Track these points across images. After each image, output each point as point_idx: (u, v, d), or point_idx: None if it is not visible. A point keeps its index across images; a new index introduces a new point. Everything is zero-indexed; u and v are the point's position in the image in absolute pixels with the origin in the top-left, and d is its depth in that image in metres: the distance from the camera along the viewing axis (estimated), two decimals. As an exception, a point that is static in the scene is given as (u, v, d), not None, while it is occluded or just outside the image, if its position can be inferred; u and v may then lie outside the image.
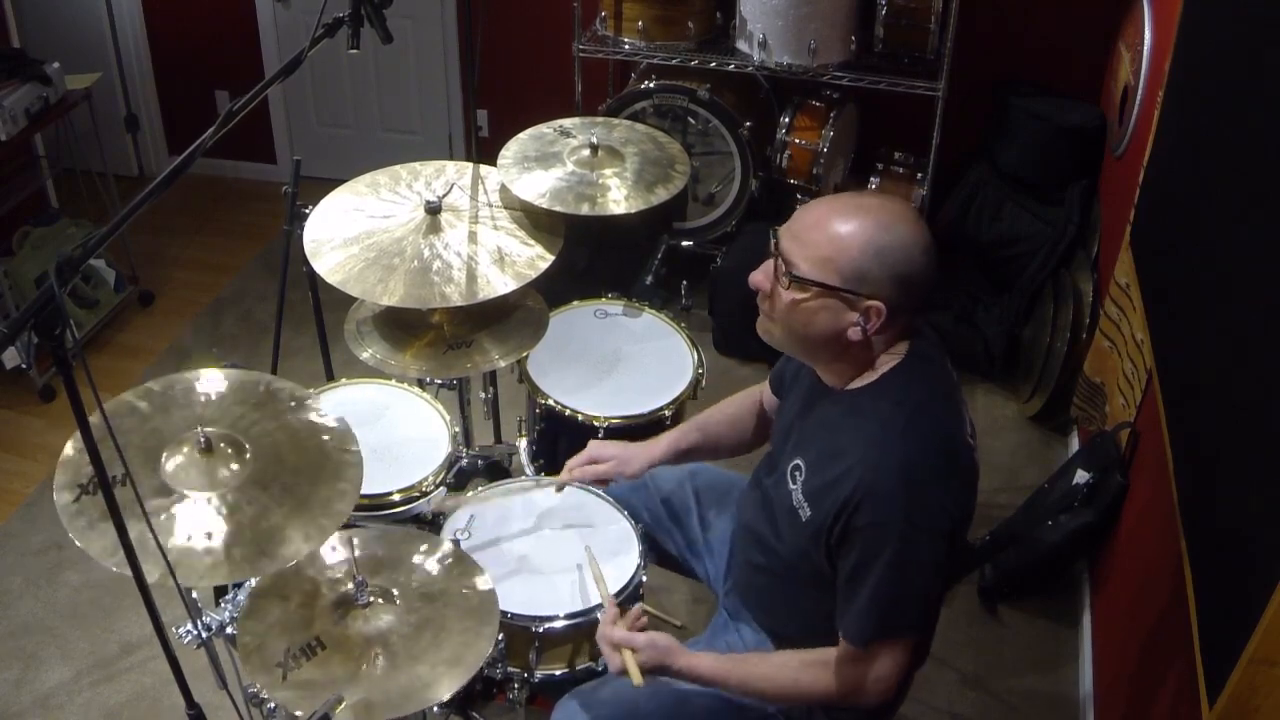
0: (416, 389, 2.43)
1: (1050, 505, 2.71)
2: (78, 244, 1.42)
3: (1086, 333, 3.09)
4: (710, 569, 2.09)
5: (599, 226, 2.48)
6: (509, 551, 2.07)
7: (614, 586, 1.96)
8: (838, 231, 1.54)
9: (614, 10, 3.64)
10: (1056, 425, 3.37)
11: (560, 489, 2.10)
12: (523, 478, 2.27)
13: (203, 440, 1.75)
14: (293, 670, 1.67)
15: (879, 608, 1.57)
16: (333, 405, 1.93)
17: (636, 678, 1.66)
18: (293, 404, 1.85)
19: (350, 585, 1.78)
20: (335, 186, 2.39)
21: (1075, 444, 3.26)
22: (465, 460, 2.44)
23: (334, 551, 1.89)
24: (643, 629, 1.74)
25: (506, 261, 2.23)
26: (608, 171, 2.46)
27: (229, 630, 1.91)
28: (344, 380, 2.48)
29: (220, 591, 2.19)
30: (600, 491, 2.16)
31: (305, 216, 2.33)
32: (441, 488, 2.22)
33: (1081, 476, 2.64)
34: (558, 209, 2.34)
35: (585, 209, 2.35)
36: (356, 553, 1.88)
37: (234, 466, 1.73)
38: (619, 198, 2.40)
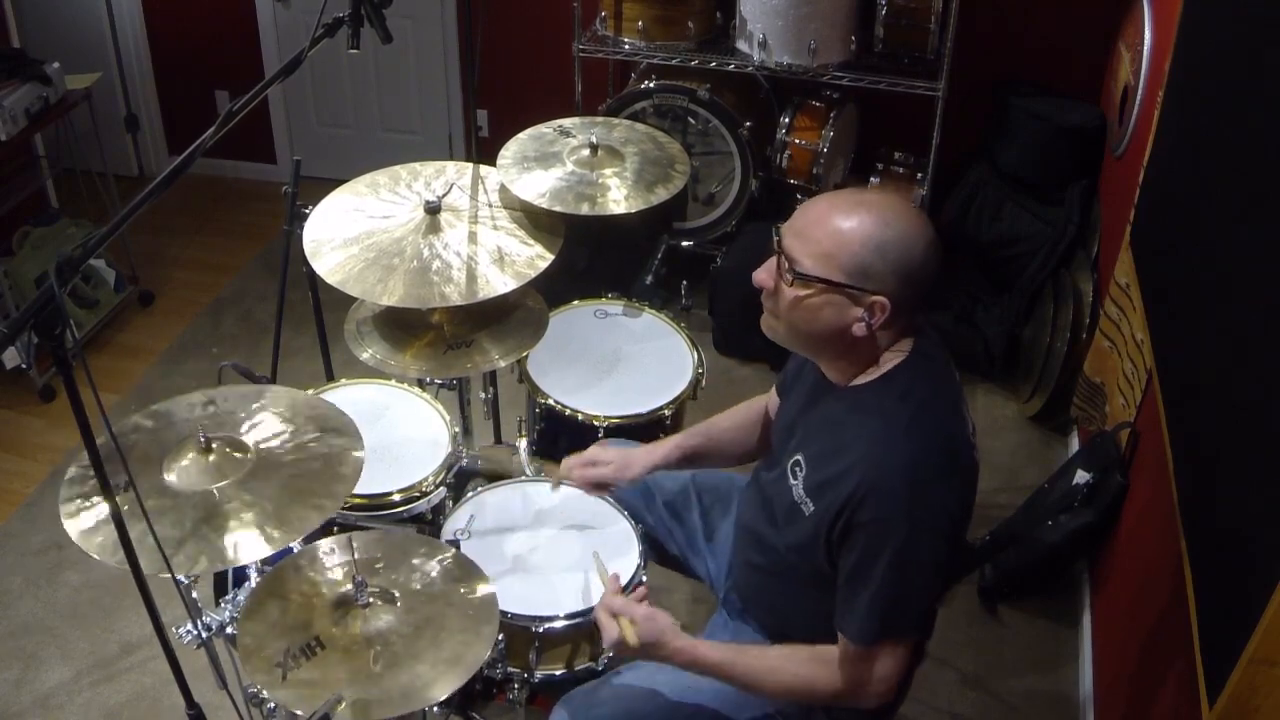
0: (416, 389, 2.43)
1: (1050, 505, 2.71)
2: (78, 244, 1.42)
3: (1086, 333, 3.09)
4: (711, 569, 2.09)
5: (599, 226, 2.48)
6: (509, 551, 2.07)
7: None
8: (840, 227, 1.54)
9: (614, 10, 3.64)
10: (1056, 425, 3.37)
11: (556, 487, 2.10)
12: (523, 478, 2.27)
13: (203, 440, 1.75)
14: (292, 670, 1.67)
15: (881, 608, 1.57)
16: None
17: (631, 637, 1.64)
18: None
19: (350, 585, 1.78)
20: (335, 186, 2.39)
21: (1075, 444, 3.26)
22: (465, 460, 2.44)
23: (334, 552, 1.89)
24: (643, 599, 1.72)
25: (506, 261, 2.23)
26: (608, 171, 2.46)
27: (229, 630, 1.92)
28: (344, 380, 2.48)
29: (220, 591, 2.19)
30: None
31: (305, 216, 2.33)
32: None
33: (1081, 476, 2.64)
34: (558, 209, 2.34)
35: (585, 209, 2.35)
36: (356, 553, 1.88)
37: (233, 465, 1.74)
38: (619, 198, 2.40)
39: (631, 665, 1.90)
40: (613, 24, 3.67)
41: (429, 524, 2.23)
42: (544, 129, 2.61)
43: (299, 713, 1.62)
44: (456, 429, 2.33)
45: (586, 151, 2.48)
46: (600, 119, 2.79)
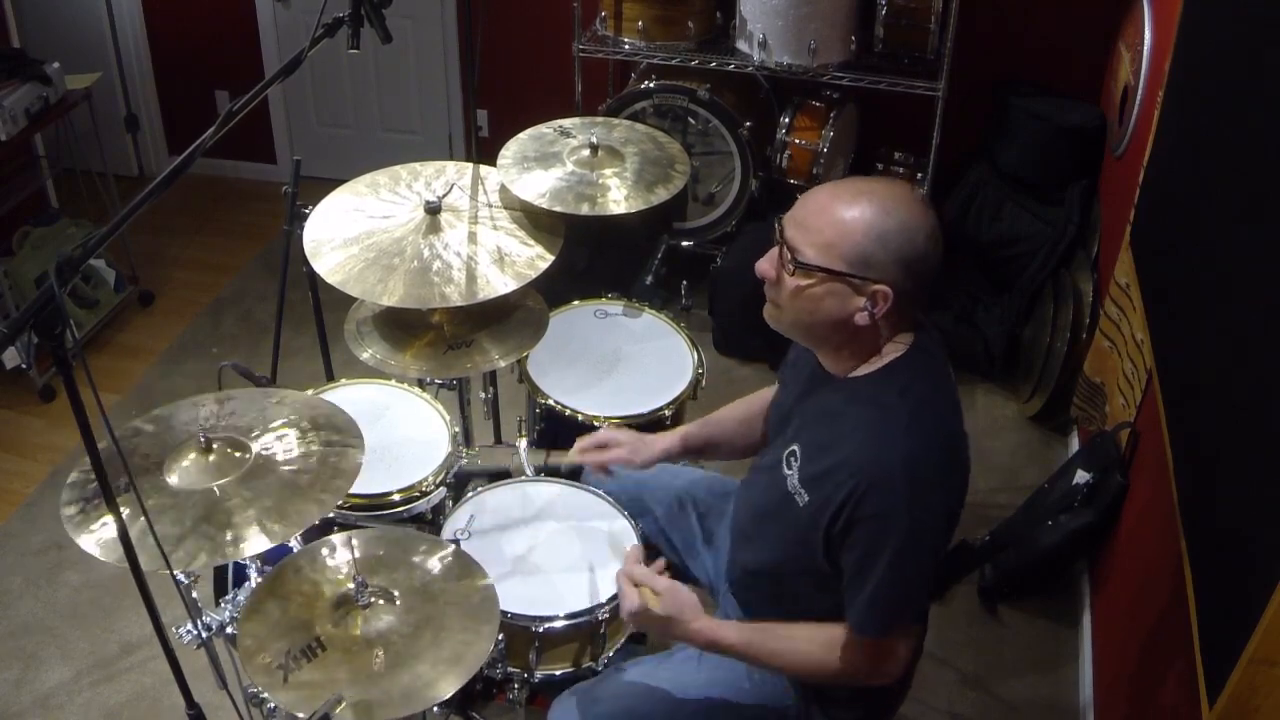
0: (416, 389, 2.43)
1: (1050, 505, 2.71)
2: (78, 244, 1.42)
3: (1086, 333, 3.09)
4: (710, 572, 2.08)
5: (599, 226, 2.48)
6: (509, 551, 2.07)
7: (614, 587, 1.96)
8: (841, 216, 1.54)
9: (614, 10, 3.64)
10: (1056, 425, 3.37)
11: (567, 469, 2.10)
12: (523, 478, 2.27)
13: (202, 440, 1.75)
14: (293, 671, 1.67)
15: (886, 601, 1.58)
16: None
17: (655, 605, 1.64)
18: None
19: (350, 586, 1.78)
20: (335, 186, 2.39)
21: (1075, 444, 3.26)
22: (465, 460, 2.44)
23: (334, 552, 1.89)
24: (662, 572, 1.73)
25: (506, 261, 2.23)
26: (608, 171, 2.46)
27: (229, 630, 1.91)
28: (344, 380, 2.48)
29: (220, 591, 2.19)
30: (601, 492, 2.16)
31: (305, 216, 2.33)
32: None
33: (1081, 476, 2.64)
34: (558, 209, 2.34)
35: (585, 209, 2.35)
36: (356, 553, 1.88)
37: (233, 464, 1.74)
38: (619, 198, 2.40)
39: (634, 661, 1.90)
40: (613, 24, 3.67)
41: (429, 524, 2.23)
42: (544, 129, 2.61)
43: (299, 714, 1.62)
44: (456, 429, 2.33)
45: (586, 151, 2.48)
46: (600, 119, 2.79)
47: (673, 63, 3.66)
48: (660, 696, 1.80)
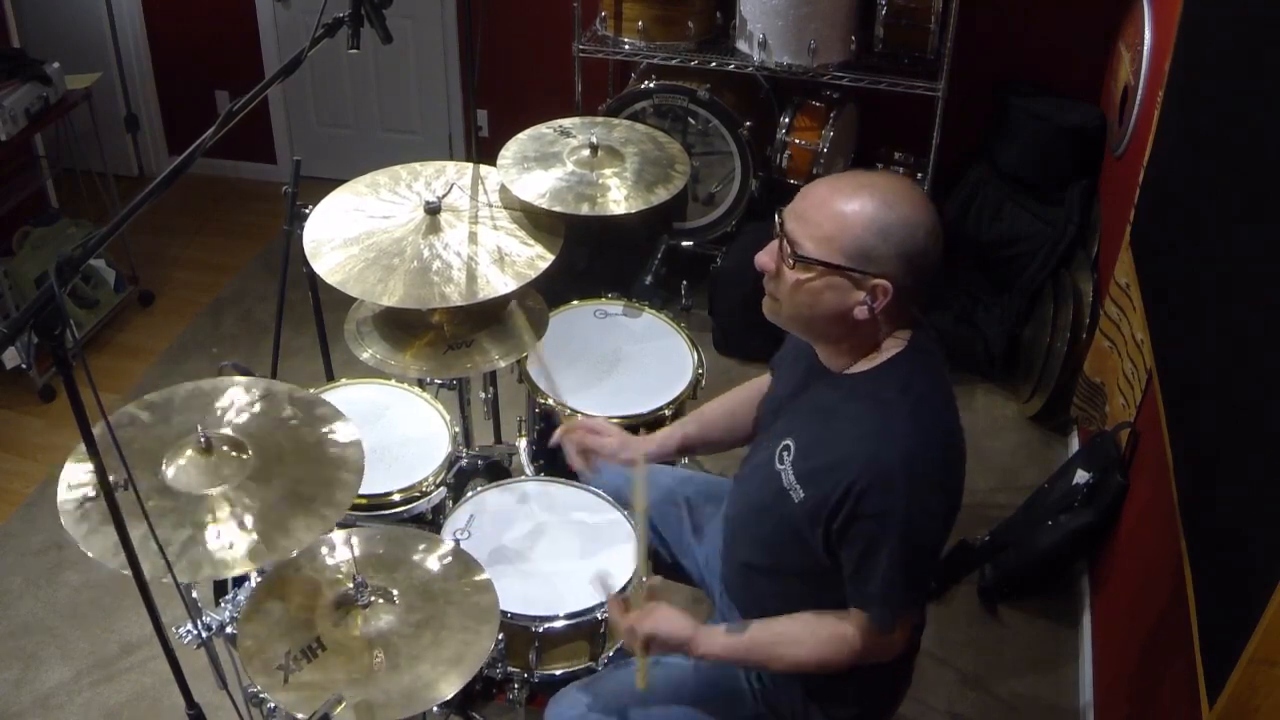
0: (416, 389, 2.43)
1: (1050, 505, 2.71)
2: (78, 244, 1.42)
3: (1086, 333, 3.09)
4: (704, 570, 2.08)
5: (599, 226, 2.48)
6: (509, 551, 2.07)
7: (615, 586, 1.96)
8: (841, 210, 1.53)
9: (614, 10, 3.64)
10: (1056, 425, 3.37)
11: (538, 458, 2.10)
12: (523, 478, 2.27)
13: (202, 440, 1.75)
14: (293, 671, 1.67)
15: (887, 594, 1.59)
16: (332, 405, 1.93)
17: (640, 681, 1.67)
18: (292, 408, 1.85)
19: (350, 586, 1.78)
20: (335, 186, 2.39)
21: (1075, 444, 3.26)
22: (465, 460, 2.44)
23: (334, 552, 1.89)
24: (654, 589, 1.74)
25: (506, 261, 2.23)
26: (608, 171, 2.46)
27: (229, 630, 1.92)
28: (344, 380, 2.48)
29: (220, 591, 2.19)
30: (601, 491, 2.16)
31: (305, 216, 2.33)
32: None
33: (1081, 476, 2.64)
34: (558, 209, 2.34)
35: (585, 209, 2.35)
36: (356, 553, 1.88)
37: (234, 465, 1.74)
38: (619, 198, 2.40)
39: (630, 662, 1.90)
40: (613, 24, 3.67)
41: (429, 524, 2.23)
42: (544, 129, 2.61)
43: (299, 714, 1.62)
44: (456, 429, 2.33)
45: (586, 151, 2.49)
46: (600, 119, 2.79)
47: (673, 63, 3.66)
48: (659, 695, 1.80)
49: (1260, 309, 1.58)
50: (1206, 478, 1.77)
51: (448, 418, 2.34)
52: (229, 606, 1.93)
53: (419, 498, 2.18)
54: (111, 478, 1.47)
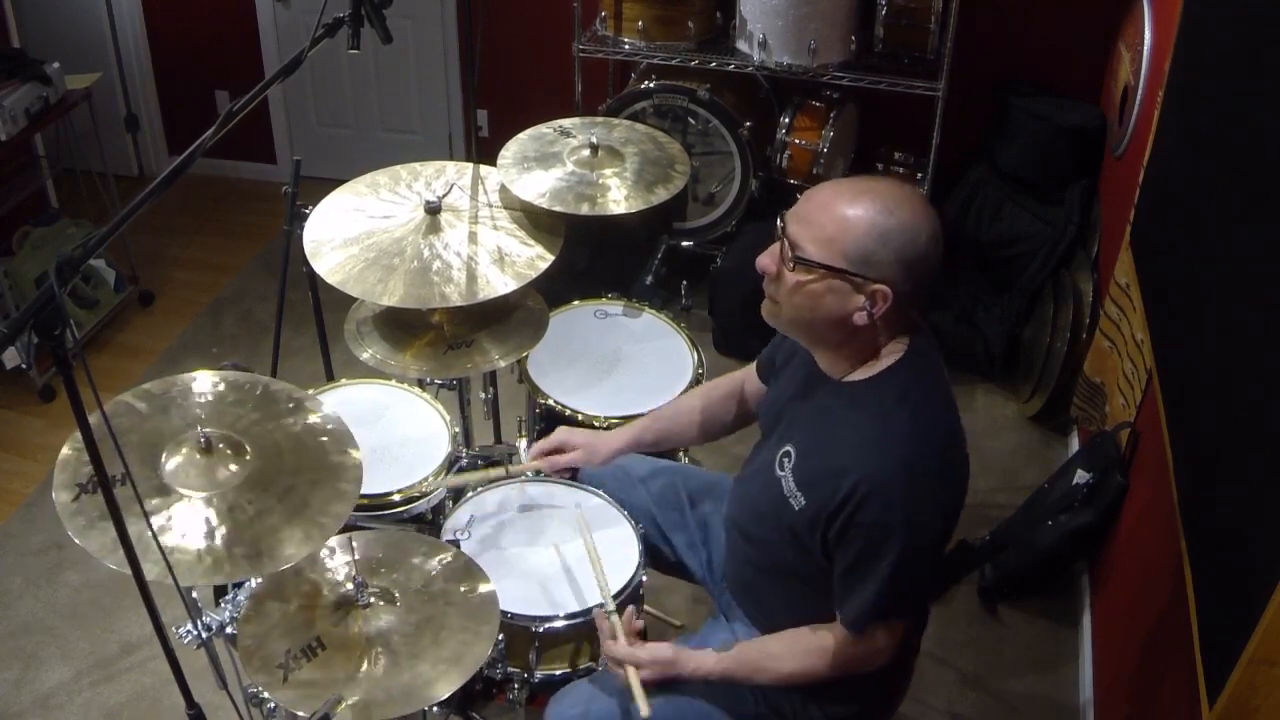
0: (416, 389, 2.43)
1: (1050, 505, 2.71)
2: (78, 244, 1.42)
3: (1086, 333, 3.09)
4: (705, 569, 2.09)
5: (599, 226, 2.48)
6: (509, 551, 2.07)
7: (615, 587, 1.96)
8: (844, 214, 1.54)
9: (614, 10, 3.64)
10: (1056, 425, 3.37)
11: (533, 474, 2.12)
12: (522, 478, 2.27)
13: (203, 440, 1.75)
14: (293, 671, 1.67)
15: (878, 600, 1.60)
16: (333, 405, 1.93)
17: (644, 708, 1.68)
18: (291, 405, 1.85)
19: (350, 586, 1.78)
20: (335, 186, 2.39)
21: (1075, 444, 3.26)
22: (465, 460, 2.44)
23: (334, 552, 1.89)
24: (642, 631, 1.75)
25: (506, 261, 2.23)
26: (608, 171, 2.46)
27: (229, 630, 1.91)
28: (344, 380, 2.48)
29: (220, 591, 2.19)
30: (600, 492, 2.16)
31: (305, 216, 2.33)
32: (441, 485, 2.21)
33: (1081, 476, 2.64)
34: (558, 209, 2.34)
35: (585, 209, 2.35)
36: (356, 553, 1.88)
37: (233, 467, 1.73)
38: (619, 198, 2.40)
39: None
40: (613, 24, 3.67)
41: (429, 524, 2.23)
42: (544, 129, 2.61)
43: (300, 713, 1.62)
44: (456, 429, 2.33)
45: (586, 152, 2.49)
46: (600, 119, 2.79)
47: (673, 63, 3.66)
48: (659, 694, 1.80)
49: (1260, 309, 1.58)
50: (1206, 478, 1.76)
51: (448, 418, 2.34)
52: (229, 606, 1.93)
53: (419, 498, 2.18)
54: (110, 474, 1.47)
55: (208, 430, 1.74)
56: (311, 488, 1.71)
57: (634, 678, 1.70)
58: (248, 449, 1.76)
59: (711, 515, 2.09)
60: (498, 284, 2.18)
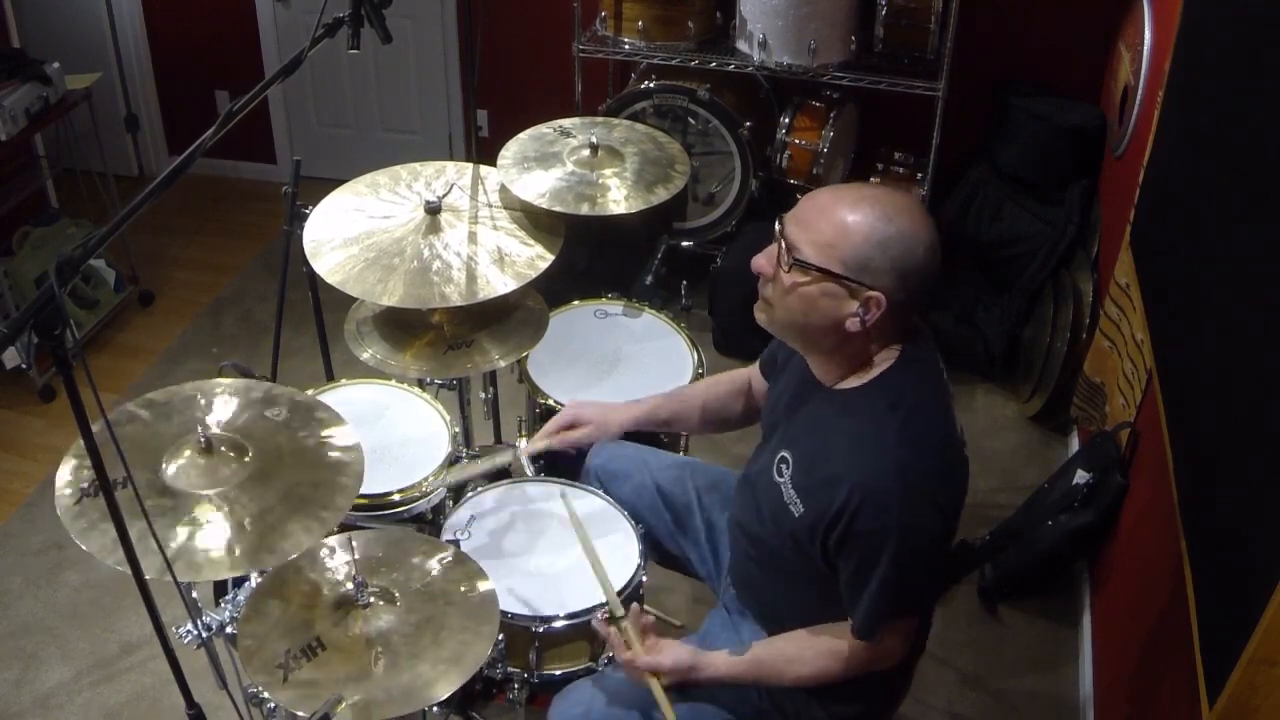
0: (416, 389, 2.43)
1: (1050, 505, 2.71)
2: (78, 244, 1.42)
3: (1086, 333, 3.09)
4: (710, 565, 2.09)
5: (599, 226, 2.48)
6: (509, 551, 2.07)
7: (615, 587, 1.96)
8: (843, 219, 1.54)
9: (614, 10, 3.64)
10: (1056, 425, 3.37)
11: (537, 458, 2.12)
12: (523, 478, 2.27)
13: (203, 441, 1.75)
14: (293, 671, 1.67)
15: (883, 605, 1.60)
16: (333, 405, 1.93)
17: (657, 688, 1.68)
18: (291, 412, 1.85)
19: (350, 586, 1.78)
20: (335, 186, 2.39)
21: (1075, 444, 3.26)
22: (465, 460, 2.44)
23: (334, 552, 1.89)
24: (648, 627, 1.75)
25: (506, 261, 2.23)
26: (608, 171, 2.46)
27: (229, 630, 1.91)
28: (344, 380, 2.48)
29: (220, 591, 2.19)
30: (600, 492, 2.16)
31: (305, 216, 2.33)
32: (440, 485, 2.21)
33: (1081, 476, 2.64)
34: (558, 209, 2.34)
35: (585, 209, 2.35)
36: (356, 553, 1.88)
37: (234, 466, 1.74)
38: (619, 198, 2.40)
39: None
40: (613, 24, 3.67)
41: (429, 524, 2.23)
42: (544, 129, 2.61)
43: (300, 713, 1.62)
44: (456, 429, 2.33)
45: (586, 152, 2.48)
46: (600, 119, 2.79)
47: (673, 63, 3.66)
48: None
49: (1260, 309, 1.58)
50: (1206, 478, 1.77)
51: (448, 418, 2.34)
52: (229, 606, 1.93)
53: (419, 498, 2.18)
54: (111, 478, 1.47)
55: (208, 432, 1.75)
56: (313, 486, 1.72)
57: (658, 688, 1.70)
58: (249, 449, 1.76)
59: (719, 511, 2.09)
60: (498, 284, 2.18)
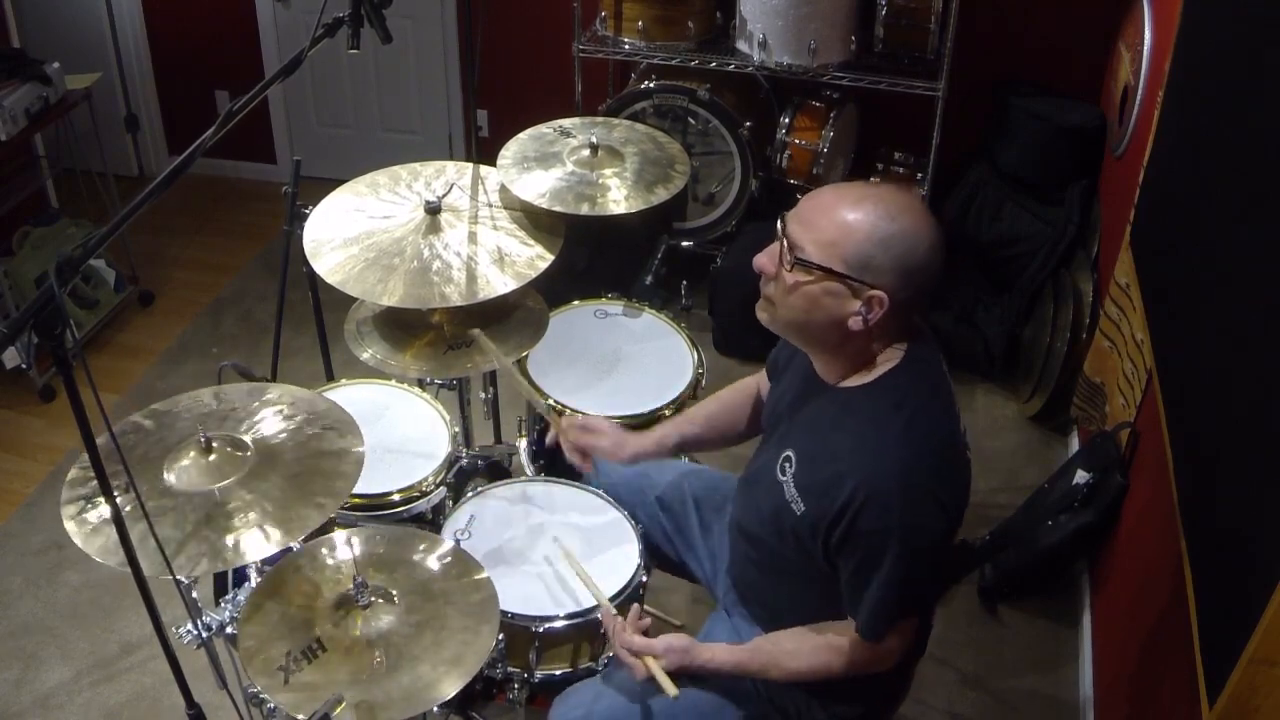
0: (416, 389, 2.43)
1: (1050, 505, 2.71)
2: (78, 244, 1.42)
3: (1086, 333, 3.09)
4: (708, 568, 2.09)
5: (599, 226, 2.48)
6: (509, 551, 2.07)
7: (615, 587, 1.96)
8: (845, 217, 1.54)
9: (614, 10, 3.64)
10: (1056, 425, 3.37)
11: (538, 457, 2.11)
12: (523, 478, 2.27)
13: (203, 440, 1.75)
14: (293, 672, 1.67)
15: (886, 605, 1.60)
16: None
17: (671, 689, 1.68)
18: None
19: (350, 586, 1.78)
20: (335, 186, 2.39)
21: (1075, 444, 3.26)
22: (465, 460, 2.44)
23: (334, 552, 1.89)
24: (646, 630, 1.75)
25: (506, 261, 2.23)
26: (608, 171, 2.46)
27: (229, 630, 1.91)
28: (344, 380, 2.48)
29: (220, 591, 2.19)
30: (600, 492, 2.16)
31: (305, 216, 2.33)
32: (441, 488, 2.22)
33: (1081, 476, 2.64)
34: (558, 209, 2.34)
35: (585, 209, 2.35)
36: (356, 553, 1.88)
37: (235, 464, 1.74)
38: (619, 198, 2.40)
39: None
40: (613, 24, 3.67)
41: (429, 524, 2.23)
42: (544, 129, 2.61)
43: (299, 714, 1.62)
44: (456, 429, 2.33)
45: (586, 152, 2.48)
46: (600, 119, 2.79)
47: (673, 63, 3.66)
48: (660, 693, 1.80)
49: (1260, 309, 1.58)
50: (1206, 478, 1.77)
51: (448, 418, 2.34)
52: (229, 606, 1.93)
53: (419, 498, 2.18)
54: (114, 482, 1.47)
55: (208, 432, 1.75)
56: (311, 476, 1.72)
57: (655, 666, 1.70)
58: (249, 447, 1.77)
59: (715, 512, 2.09)
60: (498, 284, 2.18)
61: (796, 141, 3.60)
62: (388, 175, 2.43)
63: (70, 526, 1.68)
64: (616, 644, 1.75)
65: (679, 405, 2.41)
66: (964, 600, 2.86)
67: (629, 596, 1.96)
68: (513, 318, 2.39)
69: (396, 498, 2.16)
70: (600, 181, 2.43)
